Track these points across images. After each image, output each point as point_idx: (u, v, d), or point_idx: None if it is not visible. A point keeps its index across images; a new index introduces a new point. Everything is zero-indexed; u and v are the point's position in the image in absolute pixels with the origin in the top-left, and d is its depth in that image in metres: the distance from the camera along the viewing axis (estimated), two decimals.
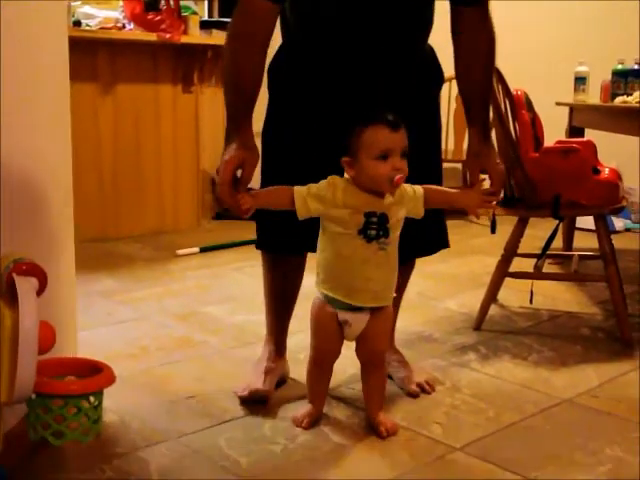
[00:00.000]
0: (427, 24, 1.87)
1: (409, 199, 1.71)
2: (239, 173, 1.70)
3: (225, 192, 1.67)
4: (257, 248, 2.04)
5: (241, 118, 1.73)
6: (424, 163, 1.89)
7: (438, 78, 1.98)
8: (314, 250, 1.99)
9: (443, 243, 2.07)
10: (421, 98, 1.92)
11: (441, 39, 1.89)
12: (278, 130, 1.93)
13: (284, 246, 1.99)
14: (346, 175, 1.69)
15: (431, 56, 1.96)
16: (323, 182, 1.68)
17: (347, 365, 2.00)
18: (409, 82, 1.87)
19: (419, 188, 1.74)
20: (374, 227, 1.64)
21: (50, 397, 1.45)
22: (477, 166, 1.86)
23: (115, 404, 1.88)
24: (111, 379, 1.52)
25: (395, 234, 1.69)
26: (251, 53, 1.72)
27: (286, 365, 2.09)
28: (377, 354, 1.80)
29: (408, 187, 1.72)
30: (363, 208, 1.64)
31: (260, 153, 1.77)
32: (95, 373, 1.52)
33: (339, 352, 1.80)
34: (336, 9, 1.75)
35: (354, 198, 1.64)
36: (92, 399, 1.48)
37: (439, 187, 1.81)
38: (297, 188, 1.67)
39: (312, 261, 2.01)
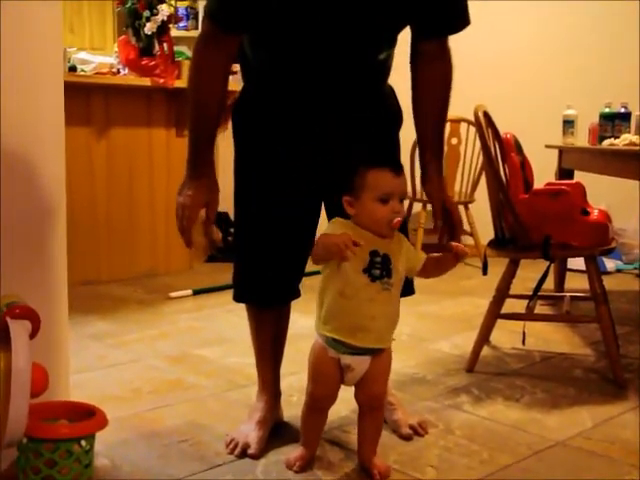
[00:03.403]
0: (387, 64, 1.89)
1: (408, 254, 1.72)
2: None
3: (189, 237, 1.77)
4: (236, 301, 2.01)
5: (204, 149, 1.80)
6: None
7: (397, 118, 1.98)
8: (297, 297, 2.02)
9: (409, 290, 1.99)
10: (381, 138, 1.92)
11: (402, 79, 1.91)
12: (248, 171, 1.94)
13: (265, 298, 1.99)
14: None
15: (391, 96, 1.97)
16: (333, 223, 1.70)
17: (341, 408, 2.00)
18: (369, 121, 1.88)
19: (422, 254, 1.75)
20: (378, 267, 1.65)
21: (41, 441, 1.44)
22: (440, 202, 1.87)
23: (107, 448, 1.87)
24: (103, 423, 1.52)
25: (398, 277, 1.69)
26: (215, 83, 1.77)
27: (280, 411, 2.08)
28: (377, 398, 1.79)
29: (413, 249, 1.75)
30: (368, 247, 1.64)
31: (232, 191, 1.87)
32: (87, 417, 1.52)
33: (336, 397, 1.79)
34: (296, 47, 1.77)
35: (360, 237, 1.64)
36: (84, 443, 1.48)
37: (433, 256, 1.77)
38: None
39: (298, 302, 2.03)
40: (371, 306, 1.66)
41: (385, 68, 1.91)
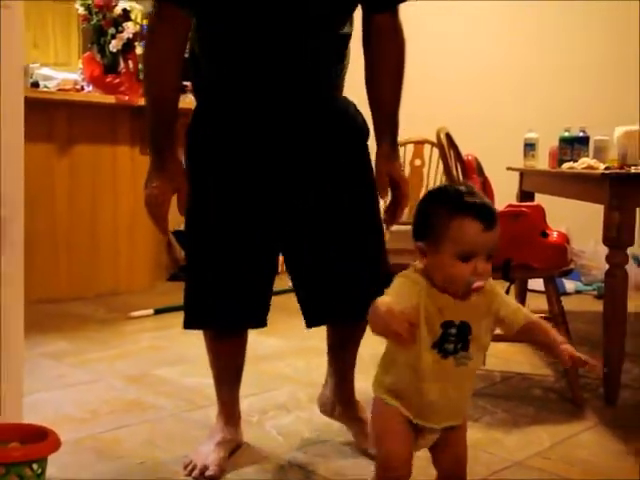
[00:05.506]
0: (341, 66, 1.87)
1: (501, 311, 1.43)
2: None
3: (164, 225, 1.77)
4: (185, 328, 1.92)
5: (164, 135, 1.75)
6: (359, 224, 1.87)
7: (361, 131, 1.92)
8: (257, 326, 1.92)
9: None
10: (345, 153, 1.87)
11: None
12: (202, 193, 1.85)
13: (219, 326, 1.92)
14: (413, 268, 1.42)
15: (355, 115, 1.91)
16: (407, 280, 1.39)
17: (303, 429, 1.99)
18: (326, 134, 1.85)
19: (524, 314, 1.45)
20: (452, 339, 1.37)
21: None
22: (386, 169, 1.86)
23: (60, 471, 1.83)
24: (55, 445, 1.48)
25: (478, 347, 1.41)
26: (168, 62, 1.73)
27: (240, 433, 2.05)
28: (461, 463, 1.50)
29: (513, 303, 1.46)
30: (441, 317, 1.37)
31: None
32: (40, 439, 1.49)
33: (412, 466, 1.42)
34: (244, 38, 1.74)
35: (433, 302, 1.36)
36: (35, 467, 1.44)
37: (545, 325, 1.46)
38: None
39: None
40: (441, 386, 1.39)
41: (338, 70, 1.86)
